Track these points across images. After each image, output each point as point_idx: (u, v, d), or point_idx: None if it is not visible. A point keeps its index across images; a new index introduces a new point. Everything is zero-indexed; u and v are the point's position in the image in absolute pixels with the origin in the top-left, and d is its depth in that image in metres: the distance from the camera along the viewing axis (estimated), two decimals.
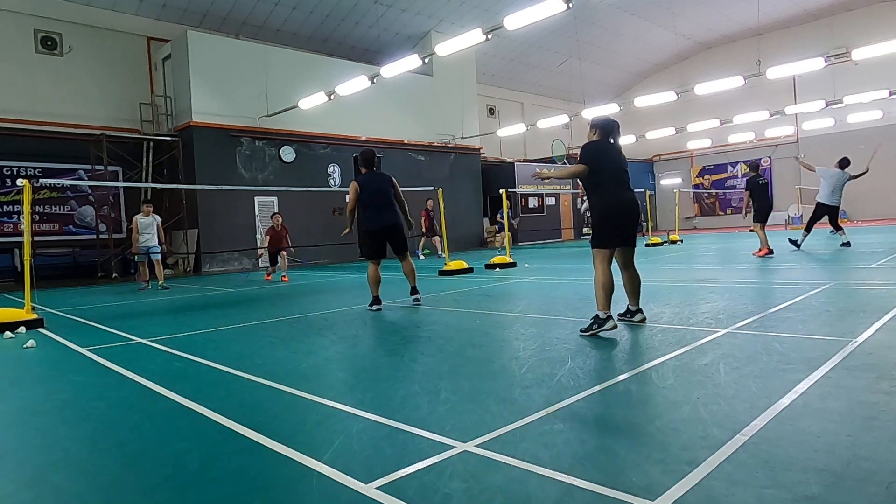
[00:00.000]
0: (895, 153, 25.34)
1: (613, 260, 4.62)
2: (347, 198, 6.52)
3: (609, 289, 4.42)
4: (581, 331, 4.44)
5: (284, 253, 12.01)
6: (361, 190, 6.60)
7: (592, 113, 20.28)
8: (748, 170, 11.32)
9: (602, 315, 4.36)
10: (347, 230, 6.94)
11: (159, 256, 11.22)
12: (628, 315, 4.81)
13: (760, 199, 10.75)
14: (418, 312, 6.22)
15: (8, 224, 15.08)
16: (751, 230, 11.79)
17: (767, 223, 10.91)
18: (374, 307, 6.62)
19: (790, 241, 11.70)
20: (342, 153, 19.58)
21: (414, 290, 6.88)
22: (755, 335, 4.01)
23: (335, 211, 19.28)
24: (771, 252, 10.52)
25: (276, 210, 17.84)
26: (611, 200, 4.52)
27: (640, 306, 4.80)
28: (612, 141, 4.70)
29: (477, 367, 3.63)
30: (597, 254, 4.56)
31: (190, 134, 16.37)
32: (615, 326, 4.36)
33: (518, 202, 24.05)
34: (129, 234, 11.79)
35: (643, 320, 4.74)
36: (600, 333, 4.31)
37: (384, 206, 6.63)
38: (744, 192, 10.98)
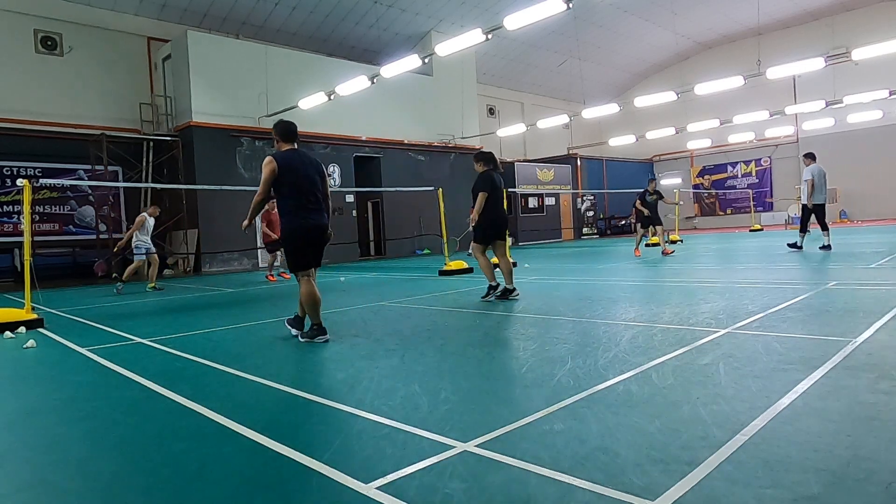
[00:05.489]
0: (895, 153, 25.40)
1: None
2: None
3: (491, 266, 6.80)
4: (484, 298, 6.71)
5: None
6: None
7: (592, 113, 20.29)
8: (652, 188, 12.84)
9: (494, 283, 6.72)
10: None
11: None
12: (507, 293, 6.68)
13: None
14: (418, 312, 6.22)
15: (8, 224, 15.08)
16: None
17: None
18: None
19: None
20: (342, 153, 19.58)
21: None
22: (755, 335, 4.01)
23: (335, 211, 19.28)
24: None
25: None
26: (493, 214, 6.73)
27: (515, 286, 6.77)
28: (496, 169, 6.93)
29: (477, 367, 3.62)
30: (477, 247, 6.88)
31: (190, 134, 16.36)
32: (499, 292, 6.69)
33: (518, 202, 24.06)
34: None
35: (517, 296, 6.70)
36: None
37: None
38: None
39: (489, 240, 6.83)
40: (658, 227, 12.80)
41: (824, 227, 11.02)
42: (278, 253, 10.98)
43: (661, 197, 12.98)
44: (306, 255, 4.79)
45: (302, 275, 4.79)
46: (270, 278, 11.67)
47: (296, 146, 4.91)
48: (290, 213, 4.75)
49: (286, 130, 4.87)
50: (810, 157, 11.17)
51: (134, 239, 10.75)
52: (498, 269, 6.98)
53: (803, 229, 11.33)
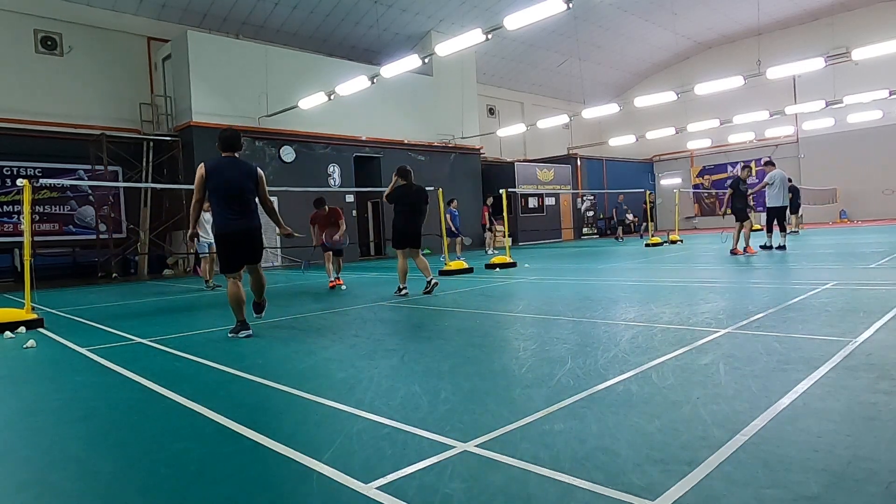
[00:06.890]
0: (894, 153, 25.41)
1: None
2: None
3: (405, 271, 7.79)
4: (395, 293, 7.74)
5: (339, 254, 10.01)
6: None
7: (592, 113, 20.30)
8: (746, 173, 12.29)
9: (402, 286, 7.70)
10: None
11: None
12: (428, 284, 7.68)
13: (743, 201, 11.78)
14: (418, 312, 6.22)
15: (8, 224, 15.08)
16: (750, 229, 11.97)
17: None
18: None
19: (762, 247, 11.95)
20: (342, 153, 19.57)
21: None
22: (755, 335, 4.01)
23: None
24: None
25: (279, 207, 17.81)
26: (402, 225, 7.81)
27: (434, 278, 7.83)
28: (412, 183, 7.85)
29: (477, 367, 3.62)
30: (398, 251, 7.89)
31: (190, 134, 16.36)
32: (408, 294, 7.60)
33: (518, 202, 24.06)
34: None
35: (436, 284, 7.77)
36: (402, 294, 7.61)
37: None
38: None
39: (401, 245, 7.90)
40: (746, 223, 11.46)
41: (782, 228, 11.79)
42: (331, 255, 10.12)
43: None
44: (231, 260, 5.30)
45: (229, 276, 5.32)
46: (331, 284, 10.11)
47: (236, 155, 5.47)
48: (216, 217, 5.35)
49: (225, 140, 5.47)
50: (771, 163, 11.90)
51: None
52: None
53: (769, 230, 11.98)
